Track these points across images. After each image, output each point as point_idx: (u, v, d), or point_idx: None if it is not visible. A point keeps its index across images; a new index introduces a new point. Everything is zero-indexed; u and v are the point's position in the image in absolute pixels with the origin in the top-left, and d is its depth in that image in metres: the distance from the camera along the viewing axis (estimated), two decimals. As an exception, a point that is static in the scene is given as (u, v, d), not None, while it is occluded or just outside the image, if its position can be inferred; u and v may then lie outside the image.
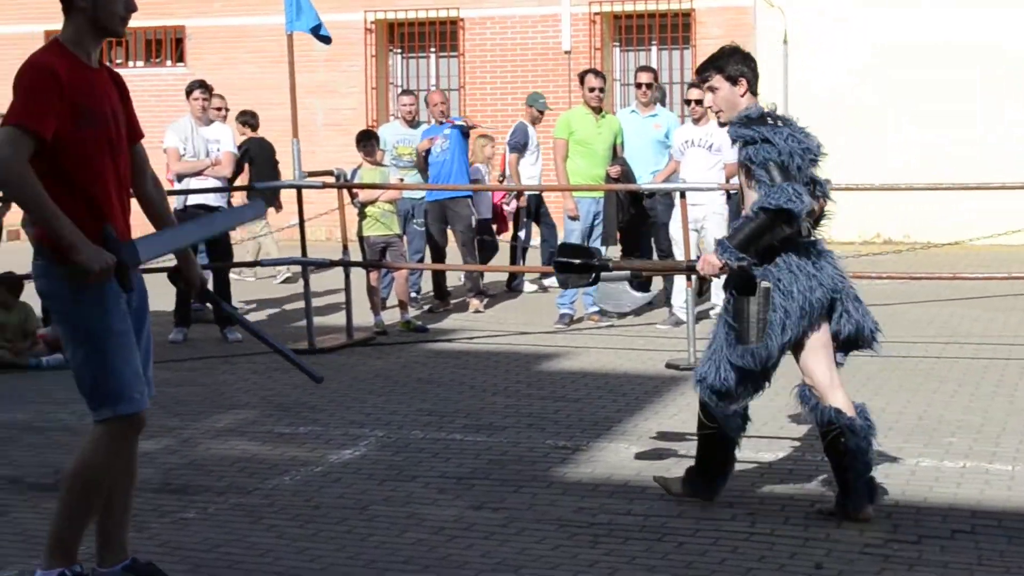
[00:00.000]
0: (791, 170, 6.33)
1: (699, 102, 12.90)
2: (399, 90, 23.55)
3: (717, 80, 6.58)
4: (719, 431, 6.76)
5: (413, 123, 14.66)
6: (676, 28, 22.47)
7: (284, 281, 17.21)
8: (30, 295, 9.10)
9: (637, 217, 13.62)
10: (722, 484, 6.83)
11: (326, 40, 12.86)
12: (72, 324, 5.25)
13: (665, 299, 13.38)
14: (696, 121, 12.97)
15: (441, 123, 14.31)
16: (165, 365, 11.13)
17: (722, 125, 6.76)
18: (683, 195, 11.45)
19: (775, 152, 6.33)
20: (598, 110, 13.39)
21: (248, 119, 16.90)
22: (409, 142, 14.43)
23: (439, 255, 14.33)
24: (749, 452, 7.74)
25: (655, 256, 13.94)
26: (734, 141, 6.55)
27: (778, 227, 6.33)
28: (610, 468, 7.50)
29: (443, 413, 9.04)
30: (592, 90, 13.36)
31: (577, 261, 6.85)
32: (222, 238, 12.91)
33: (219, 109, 14.18)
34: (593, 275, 6.87)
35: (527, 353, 11.54)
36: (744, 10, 21.93)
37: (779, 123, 6.47)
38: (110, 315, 5.24)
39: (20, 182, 5.07)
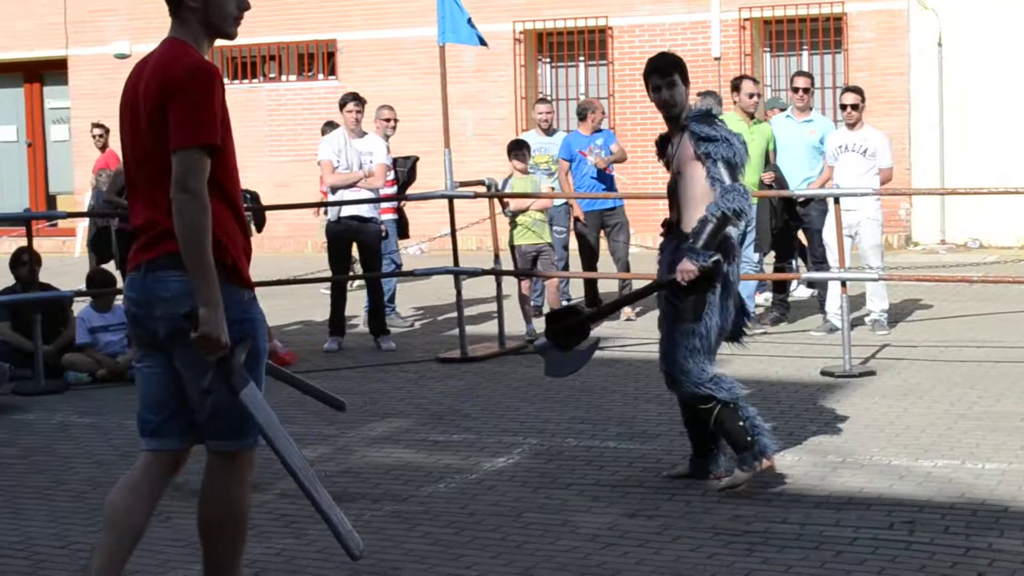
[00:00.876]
0: (737, 169, 7.14)
1: (854, 107, 12.76)
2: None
3: (677, 78, 7.28)
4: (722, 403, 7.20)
5: (549, 131, 14.65)
6: (827, 32, 22.21)
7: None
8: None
9: (790, 224, 13.51)
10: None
11: (482, 42, 12.97)
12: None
13: (819, 305, 13.25)
14: (851, 126, 12.82)
15: (599, 129, 14.34)
16: (320, 374, 11.29)
17: (671, 119, 7.35)
18: (837, 201, 11.30)
19: (731, 152, 7.10)
20: (751, 116, 13.30)
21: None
22: (546, 150, 14.42)
23: (592, 263, 14.31)
24: (906, 459, 7.65)
25: (807, 264, 13.82)
26: (694, 134, 7.14)
27: (731, 224, 7.16)
28: (765, 476, 7.44)
29: (596, 421, 9.04)
30: (751, 96, 13.31)
31: (566, 323, 7.43)
32: (376, 248, 13.01)
33: (388, 120, 14.35)
34: (588, 328, 7.51)
35: (679, 361, 11.47)
36: (897, 12, 21.63)
37: (720, 122, 7.29)
38: (267, 334, 5.06)
39: (204, 220, 4.71)
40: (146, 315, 4.91)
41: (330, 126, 15.44)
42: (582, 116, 14.47)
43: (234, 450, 4.98)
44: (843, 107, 12.99)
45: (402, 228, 15.10)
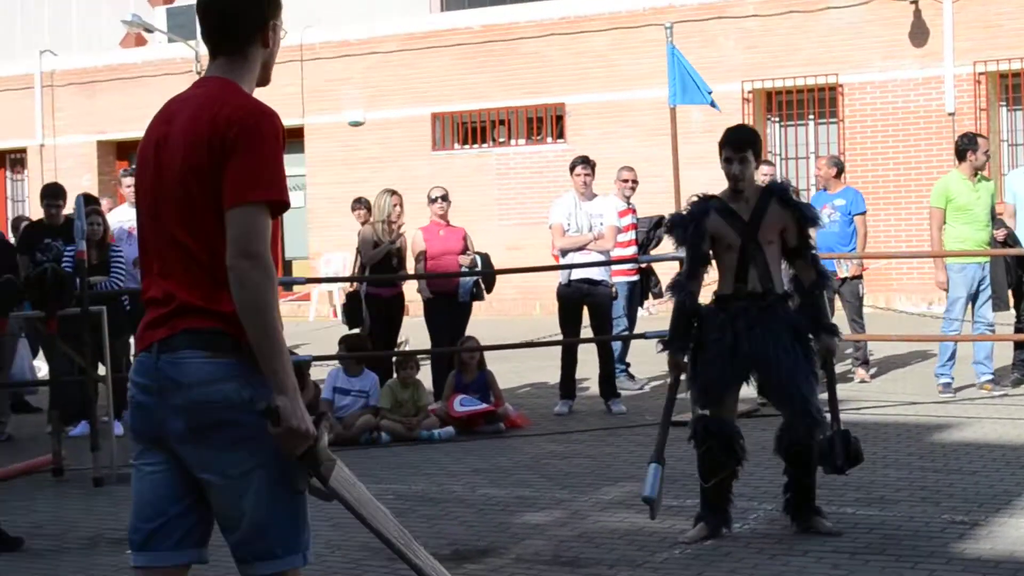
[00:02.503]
0: None
1: None
2: (779, 158, 23.42)
3: (750, 155, 7.64)
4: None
5: None
6: (1067, 84, 21.66)
7: None
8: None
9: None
10: None
11: (714, 105, 13.03)
12: (273, 446, 3.98)
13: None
14: None
15: (835, 189, 14.17)
16: (551, 437, 11.31)
17: (736, 192, 7.65)
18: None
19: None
20: (974, 174, 12.99)
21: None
22: None
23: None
24: None
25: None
26: (794, 205, 7.72)
27: None
28: (1011, 544, 7.20)
29: (833, 487, 8.84)
30: (986, 153, 13.05)
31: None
32: (607, 311, 13.00)
33: (626, 181, 14.34)
34: None
35: (917, 424, 11.23)
36: None
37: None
38: None
39: (271, 292, 3.93)
40: (156, 404, 4.04)
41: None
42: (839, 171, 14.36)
43: (281, 570, 4.09)
44: None
45: (646, 288, 15.01)
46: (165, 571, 4.11)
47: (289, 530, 4.04)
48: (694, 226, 7.60)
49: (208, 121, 4.01)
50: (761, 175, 14.37)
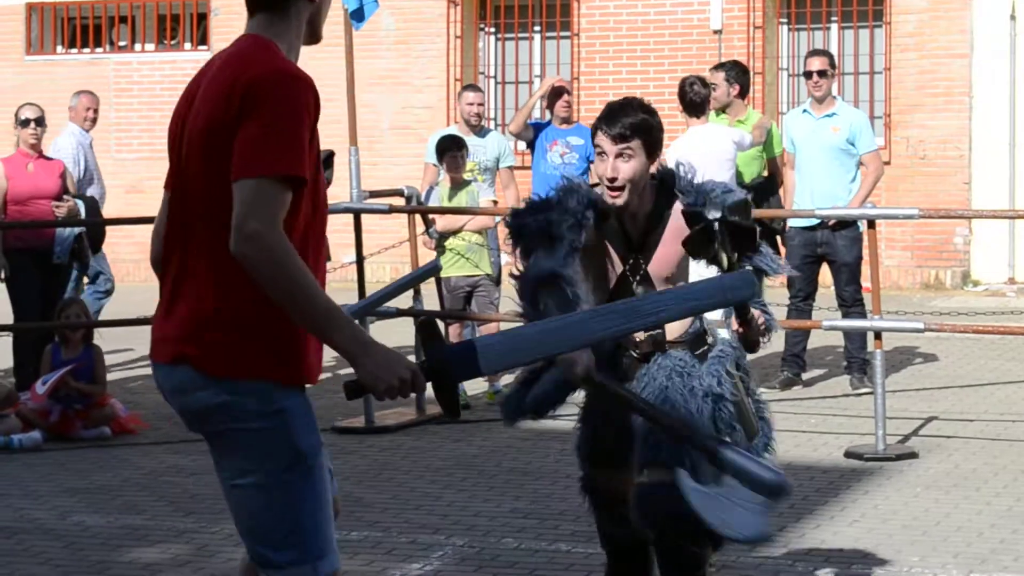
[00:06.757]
0: None
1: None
2: (493, 81, 23.65)
3: (638, 146, 6.36)
4: None
5: (479, 129, 14.29)
6: (865, 0, 22.32)
7: None
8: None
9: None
10: None
11: (356, 17, 12.91)
12: (268, 443, 4.68)
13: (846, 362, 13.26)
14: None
15: (569, 123, 14.36)
16: (174, 447, 11.21)
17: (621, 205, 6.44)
18: (872, 224, 11.15)
19: None
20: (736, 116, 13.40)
21: None
22: (473, 156, 13.79)
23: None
24: (956, 571, 7.68)
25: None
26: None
27: None
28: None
29: (543, 516, 9.02)
30: (712, 86, 13.37)
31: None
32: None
33: None
34: None
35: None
36: (958, -24, 21.73)
37: None
38: (316, 426, 4.80)
39: (289, 269, 4.52)
40: None
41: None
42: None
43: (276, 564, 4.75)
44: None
45: None
46: None
47: (282, 537, 4.69)
48: (566, 212, 6.31)
49: (230, 84, 4.67)
50: (466, 103, 14.47)
